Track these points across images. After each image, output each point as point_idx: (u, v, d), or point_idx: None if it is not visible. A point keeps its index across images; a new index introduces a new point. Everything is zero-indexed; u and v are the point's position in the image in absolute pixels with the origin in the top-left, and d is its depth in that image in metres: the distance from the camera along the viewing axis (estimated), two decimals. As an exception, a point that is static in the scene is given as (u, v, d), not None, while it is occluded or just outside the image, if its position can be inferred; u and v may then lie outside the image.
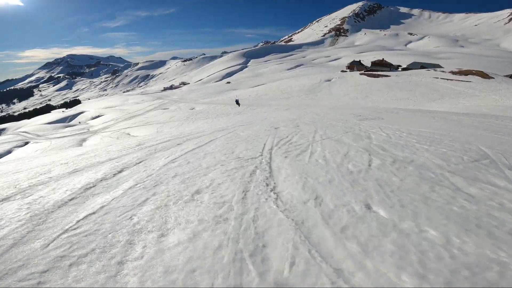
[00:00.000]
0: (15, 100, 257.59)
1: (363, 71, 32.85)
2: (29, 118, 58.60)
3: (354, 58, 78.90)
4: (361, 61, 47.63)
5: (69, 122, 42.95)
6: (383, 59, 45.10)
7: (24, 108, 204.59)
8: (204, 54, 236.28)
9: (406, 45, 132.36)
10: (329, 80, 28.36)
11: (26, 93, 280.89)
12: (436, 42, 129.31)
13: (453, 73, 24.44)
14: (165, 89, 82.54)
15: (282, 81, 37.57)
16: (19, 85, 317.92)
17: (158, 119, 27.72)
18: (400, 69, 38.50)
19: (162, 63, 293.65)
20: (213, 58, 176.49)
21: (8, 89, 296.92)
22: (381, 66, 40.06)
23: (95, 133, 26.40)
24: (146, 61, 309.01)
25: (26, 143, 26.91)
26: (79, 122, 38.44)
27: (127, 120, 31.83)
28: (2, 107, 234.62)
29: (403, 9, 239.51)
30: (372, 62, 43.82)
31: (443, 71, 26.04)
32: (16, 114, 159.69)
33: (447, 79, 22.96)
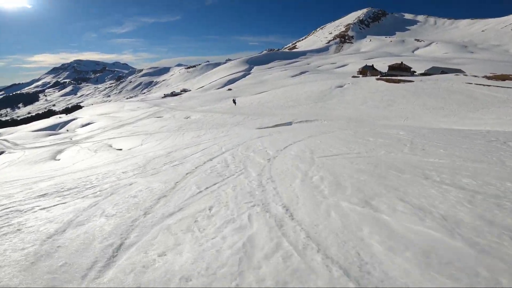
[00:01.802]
0: (20, 105, 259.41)
1: (379, 76, 29.39)
2: (28, 123, 56.60)
3: (361, 65, 75.86)
4: (374, 66, 44.22)
5: (59, 129, 40.33)
6: (402, 62, 41.55)
7: (29, 113, 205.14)
8: (208, 62, 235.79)
9: (413, 51, 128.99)
10: (341, 86, 25.05)
11: (31, 98, 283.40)
12: (444, 48, 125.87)
13: (488, 78, 20.95)
14: (165, 96, 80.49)
15: (287, 87, 34.41)
16: (25, 90, 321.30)
17: (147, 129, 24.71)
18: (417, 74, 35.05)
19: (166, 69, 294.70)
20: (216, 65, 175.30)
21: (14, 93, 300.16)
22: (400, 71, 36.50)
23: (76, 144, 23.39)
24: (150, 68, 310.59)
25: (2, 152, 24.02)
26: (67, 130, 35.65)
27: (116, 129, 28.93)
28: (7, 111, 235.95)
29: (408, 16, 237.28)
30: (389, 66, 40.22)
31: (475, 76, 22.58)
32: (19, 118, 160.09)
33: (483, 85, 19.46)
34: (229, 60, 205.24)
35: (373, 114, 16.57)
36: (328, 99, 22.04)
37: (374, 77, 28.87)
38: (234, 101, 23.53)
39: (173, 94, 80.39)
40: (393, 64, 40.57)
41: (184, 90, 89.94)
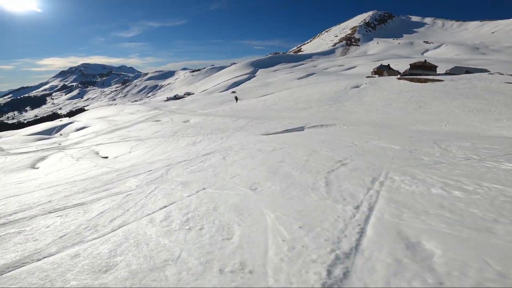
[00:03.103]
0: (27, 108, 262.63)
1: (400, 76, 26.54)
2: (31, 126, 55.63)
3: (371, 67, 72.99)
4: (390, 65, 41.29)
5: (55, 132, 38.58)
6: (425, 60, 38.52)
7: (35, 116, 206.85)
8: (213, 65, 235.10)
9: (422, 53, 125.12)
10: (357, 87, 22.36)
11: (39, 101, 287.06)
12: (455, 50, 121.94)
13: (530, 76, 18.02)
14: (168, 99, 79.23)
15: (295, 88, 31.86)
16: (33, 93, 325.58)
17: (140, 134, 22.39)
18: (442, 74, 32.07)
19: (171, 73, 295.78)
20: (221, 68, 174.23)
21: (22, 96, 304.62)
22: (423, 70, 33.54)
23: (62, 150, 21.20)
24: (156, 71, 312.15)
25: (-16, 160, 21.89)
26: (61, 134, 33.74)
27: (108, 134, 26.73)
28: (14, 114, 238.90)
29: (415, 18, 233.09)
30: (411, 65, 37.18)
31: (513, 75, 19.69)
32: (26, 121, 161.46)
33: (528, 85, 16.53)
34: (234, 63, 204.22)
35: (403, 117, 13.83)
36: (344, 100, 19.38)
37: (394, 77, 26.04)
38: (236, 98, 22.19)
39: (176, 97, 78.81)
40: (415, 63, 37.43)
41: (188, 94, 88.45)
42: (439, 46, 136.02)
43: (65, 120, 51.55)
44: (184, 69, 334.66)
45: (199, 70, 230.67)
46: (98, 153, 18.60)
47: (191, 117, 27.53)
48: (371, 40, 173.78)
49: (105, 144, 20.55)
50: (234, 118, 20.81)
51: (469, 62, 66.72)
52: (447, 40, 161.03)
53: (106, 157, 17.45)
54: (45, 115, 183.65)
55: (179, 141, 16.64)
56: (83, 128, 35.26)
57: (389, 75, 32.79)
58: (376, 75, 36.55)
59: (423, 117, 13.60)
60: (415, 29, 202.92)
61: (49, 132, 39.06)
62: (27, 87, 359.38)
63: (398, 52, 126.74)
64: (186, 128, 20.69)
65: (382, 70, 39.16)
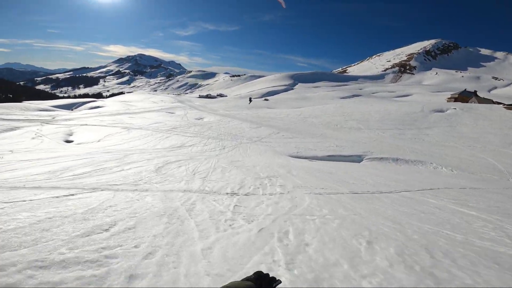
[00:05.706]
0: (81, 86, 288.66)
1: (507, 105, 18.78)
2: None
3: (429, 97, 63.09)
4: (477, 92, 32.63)
5: (75, 108, 37.00)
6: None
7: (84, 93, 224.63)
8: (254, 74, 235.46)
9: (489, 91, 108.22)
10: (442, 111, 15.45)
11: (92, 81, 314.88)
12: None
13: None
14: (200, 96, 78.00)
15: (343, 103, 25.40)
16: (91, 74, 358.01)
17: (135, 122, 17.97)
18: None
19: (212, 75, 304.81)
20: (260, 77, 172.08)
21: (80, 75, 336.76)
22: None
23: (42, 124, 18.20)
24: (199, 71, 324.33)
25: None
26: (72, 110, 31.62)
27: (107, 116, 23.13)
28: (67, 89, 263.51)
29: (485, 51, 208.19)
30: None
31: None
32: (73, 95, 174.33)
33: None
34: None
35: None
36: (425, 126, 12.74)
37: (499, 105, 18.47)
38: (250, 100, 17.39)
39: (208, 97, 76.99)
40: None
41: (220, 95, 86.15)
42: (509, 84, 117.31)
43: (94, 99, 51.52)
44: (226, 73, 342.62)
45: (239, 76, 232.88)
46: (70, 135, 14.88)
47: (207, 116, 22.76)
48: (429, 69, 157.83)
49: (89, 126, 16.47)
50: (255, 124, 15.15)
51: None
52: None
53: (71, 141, 13.88)
54: (91, 93, 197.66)
55: (169, 138, 11.60)
56: (97, 107, 32.82)
57: (479, 102, 24.65)
58: (457, 103, 27.98)
59: None
60: (483, 63, 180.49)
61: (69, 106, 37.55)
62: (88, 68, 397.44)
63: (460, 85, 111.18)
64: (190, 125, 15.63)
65: (468, 97, 30.23)
